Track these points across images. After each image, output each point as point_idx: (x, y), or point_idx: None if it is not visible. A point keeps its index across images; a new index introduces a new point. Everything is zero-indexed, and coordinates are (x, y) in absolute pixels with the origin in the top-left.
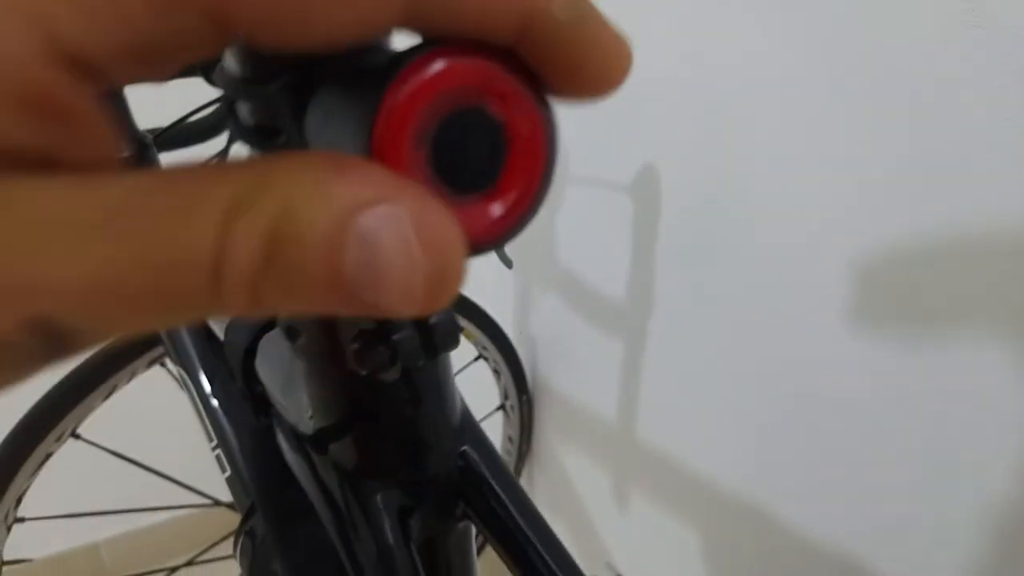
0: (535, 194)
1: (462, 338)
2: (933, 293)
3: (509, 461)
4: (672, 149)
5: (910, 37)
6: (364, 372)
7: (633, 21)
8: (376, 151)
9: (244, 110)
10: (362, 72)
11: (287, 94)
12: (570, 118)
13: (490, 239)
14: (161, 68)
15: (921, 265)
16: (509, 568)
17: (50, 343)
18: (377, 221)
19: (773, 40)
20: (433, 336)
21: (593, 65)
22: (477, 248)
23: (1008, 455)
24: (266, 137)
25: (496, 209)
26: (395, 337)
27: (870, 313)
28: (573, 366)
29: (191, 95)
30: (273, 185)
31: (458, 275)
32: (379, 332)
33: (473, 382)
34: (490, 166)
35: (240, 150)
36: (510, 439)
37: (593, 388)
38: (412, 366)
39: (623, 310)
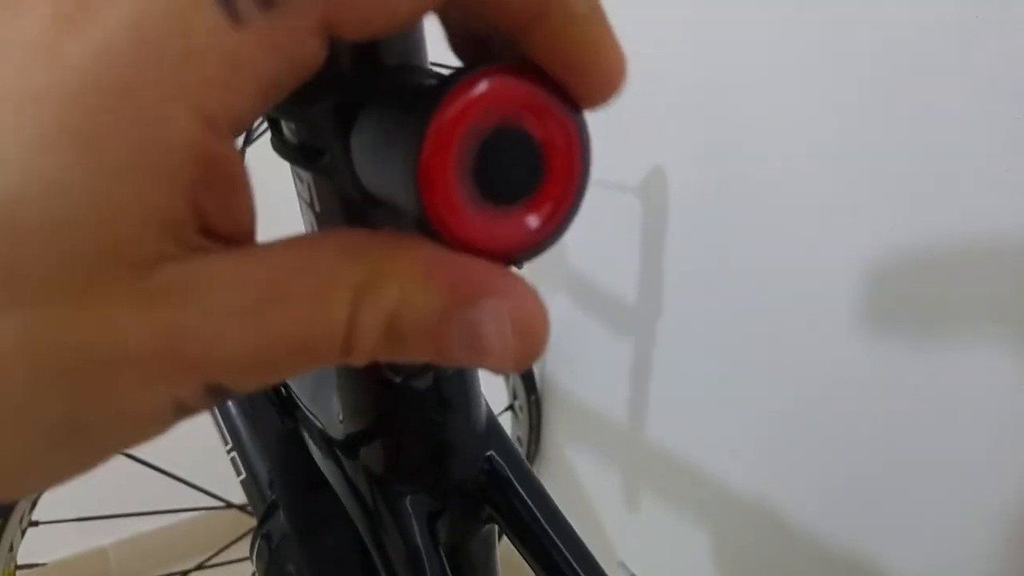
0: (570, 205)
1: None
2: (941, 296)
3: None
4: (681, 151)
5: (921, 41)
6: (398, 380)
7: (644, 23)
8: (424, 169)
9: (287, 129)
10: (409, 95)
11: (332, 115)
12: None
13: (529, 248)
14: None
15: (930, 268)
16: (534, 570)
17: (215, 401)
18: (480, 314)
19: (783, 43)
20: None
21: (598, 66)
22: (517, 257)
23: (1019, 456)
24: (310, 157)
25: (534, 220)
26: None
27: (878, 315)
28: (581, 366)
29: None
30: (392, 273)
31: (542, 347)
32: None
33: (482, 382)
34: (529, 180)
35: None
36: (519, 439)
37: (602, 389)
38: (443, 373)
39: (631, 311)
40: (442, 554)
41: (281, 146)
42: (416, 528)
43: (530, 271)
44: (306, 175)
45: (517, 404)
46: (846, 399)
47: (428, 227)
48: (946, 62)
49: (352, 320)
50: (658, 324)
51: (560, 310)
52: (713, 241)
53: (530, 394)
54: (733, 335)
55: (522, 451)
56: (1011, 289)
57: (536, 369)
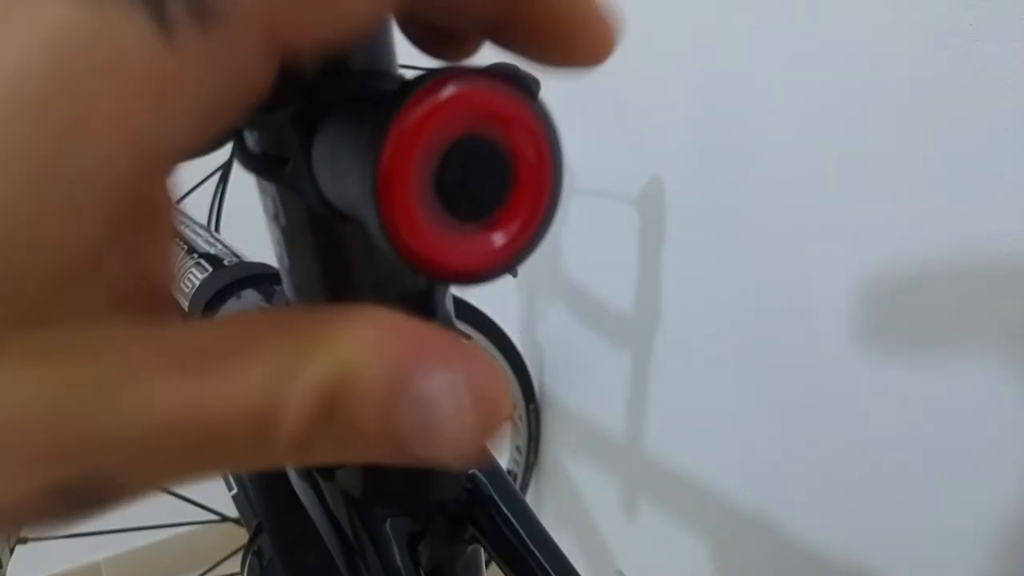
0: (541, 221)
1: None
2: (939, 308)
3: (516, 472)
4: (679, 161)
5: (925, 53)
6: None
7: (640, 32)
8: (382, 178)
9: (250, 138)
10: (371, 100)
11: (295, 123)
12: (577, 129)
13: (495, 267)
14: (220, 131)
15: (930, 281)
16: None
17: (98, 498)
18: (433, 386)
19: (783, 53)
20: None
21: (589, 28)
22: (482, 276)
23: (1015, 470)
24: (272, 166)
25: (502, 236)
26: None
27: (877, 328)
28: (580, 376)
29: None
30: (328, 342)
31: (499, 426)
32: None
33: None
34: (496, 193)
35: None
36: (518, 449)
37: (600, 398)
38: None
39: (629, 321)
40: None
41: (244, 156)
42: (396, 552)
43: (526, 279)
44: (270, 187)
45: (516, 414)
46: (845, 410)
47: (387, 243)
48: (943, 74)
49: (272, 397)
50: (656, 335)
51: (558, 320)
52: (711, 252)
53: (529, 403)
54: (731, 346)
55: (521, 461)
56: (1006, 301)
57: (534, 378)
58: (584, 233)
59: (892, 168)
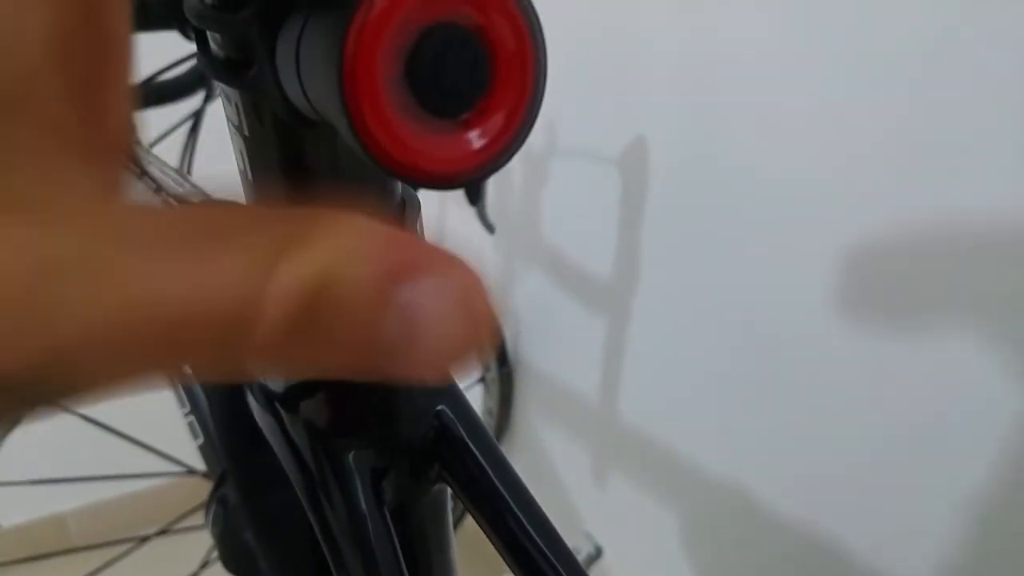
0: (525, 115)
1: None
2: (921, 283)
3: None
4: (663, 122)
5: (913, 19)
6: None
7: None
8: (348, 68)
9: (214, 42)
10: None
11: (258, 23)
12: (558, 87)
13: (477, 169)
14: None
15: (912, 253)
16: (486, 533)
17: (54, 390)
18: (421, 294)
19: (770, 14)
20: None
21: None
22: (459, 179)
23: (988, 445)
24: (237, 71)
25: (480, 136)
26: None
27: (859, 299)
28: (555, 340)
29: (165, 52)
30: (322, 236)
31: (482, 345)
32: None
33: None
34: (473, 88)
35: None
36: (489, 412)
37: (575, 363)
38: None
39: (608, 286)
40: (387, 515)
41: (207, 62)
42: (359, 487)
43: (504, 240)
44: (234, 95)
45: (488, 376)
46: (821, 381)
47: (356, 141)
48: (937, 44)
49: (251, 290)
50: (634, 300)
51: (534, 284)
52: (694, 216)
53: (502, 366)
54: (711, 314)
55: (492, 424)
56: (986, 273)
57: (509, 341)
58: (564, 193)
59: (885, 135)
